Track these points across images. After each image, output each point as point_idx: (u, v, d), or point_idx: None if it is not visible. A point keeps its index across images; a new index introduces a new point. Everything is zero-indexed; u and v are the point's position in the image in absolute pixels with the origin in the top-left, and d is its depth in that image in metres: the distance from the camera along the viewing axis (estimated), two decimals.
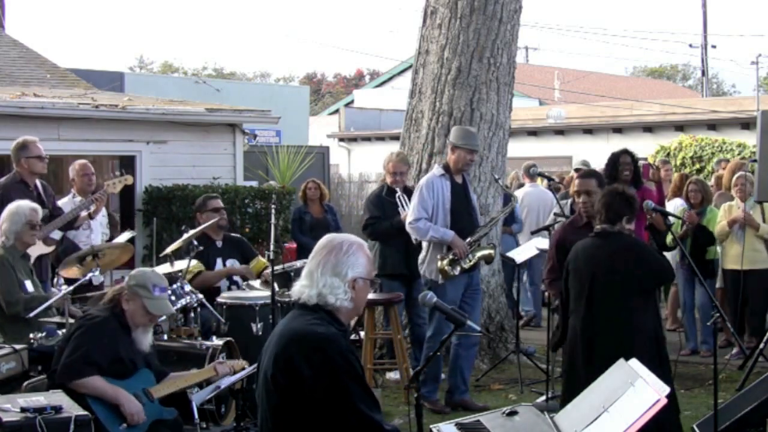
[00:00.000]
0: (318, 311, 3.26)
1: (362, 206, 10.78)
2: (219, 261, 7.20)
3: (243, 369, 5.40)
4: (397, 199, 7.70)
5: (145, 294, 4.87)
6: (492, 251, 7.00)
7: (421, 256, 6.95)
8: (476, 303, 6.99)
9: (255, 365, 3.62)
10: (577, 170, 10.55)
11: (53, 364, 4.84)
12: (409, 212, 6.91)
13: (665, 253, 8.38)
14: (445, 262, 6.67)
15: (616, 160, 7.64)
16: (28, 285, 6.07)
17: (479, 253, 6.81)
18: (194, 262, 6.78)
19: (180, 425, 5.00)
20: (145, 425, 4.76)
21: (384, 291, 7.51)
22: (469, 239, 6.77)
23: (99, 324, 4.78)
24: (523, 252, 8.66)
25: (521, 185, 11.11)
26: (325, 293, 3.26)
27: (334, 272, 3.26)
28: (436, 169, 6.96)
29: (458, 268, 6.69)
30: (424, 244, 6.91)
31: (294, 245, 10.65)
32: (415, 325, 7.78)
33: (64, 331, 5.33)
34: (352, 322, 6.91)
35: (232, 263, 7.25)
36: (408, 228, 6.87)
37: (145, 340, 4.97)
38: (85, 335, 4.72)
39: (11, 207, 6.18)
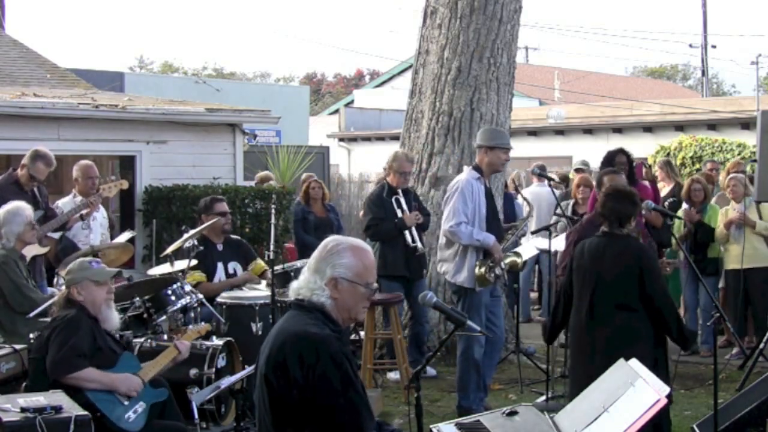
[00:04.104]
0: (313, 311, 3.24)
1: (362, 206, 10.77)
2: (220, 265, 7.14)
3: (199, 334, 5.73)
4: (394, 201, 7.66)
5: (88, 273, 4.99)
6: (517, 259, 6.76)
7: (446, 265, 6.58)
8: (499, 309, 6.86)
9: (254, 366, 3.62)
10: (577, 170, 10.56)
11: (31, 376, 4.91)
12: (448, 215, 6.45)
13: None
14: (484, 269, 6.42)
15: (611, 159, 7.66)
16: None
17: (507, 260, 6.61)
18: (196, 271, 6.81)
19: (173, 402, 5.12)
20: (145, 410, 4.86)
21: (384, 291, 7.50)
22: (503, 245, 6.60)
23: (72, 319, 4.84)
24: (523, 252, 8.63)
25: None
26: (305, 288, 3.27)
27: (315, 270, 3.27)
28: (471, 172, 6.53)
29: (493, 275, 6.48)
30: (449, 251, 6.57)
31: (294, 245, 10.64)
32: (417, 324, 7.78)
33: None
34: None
35: (234, 267, 7.21)
36: (447, 232, 6.47)
37: (114, 315, 5.12)
38: (64, 332, 4.78)
39: (9, 208, 6.17)
